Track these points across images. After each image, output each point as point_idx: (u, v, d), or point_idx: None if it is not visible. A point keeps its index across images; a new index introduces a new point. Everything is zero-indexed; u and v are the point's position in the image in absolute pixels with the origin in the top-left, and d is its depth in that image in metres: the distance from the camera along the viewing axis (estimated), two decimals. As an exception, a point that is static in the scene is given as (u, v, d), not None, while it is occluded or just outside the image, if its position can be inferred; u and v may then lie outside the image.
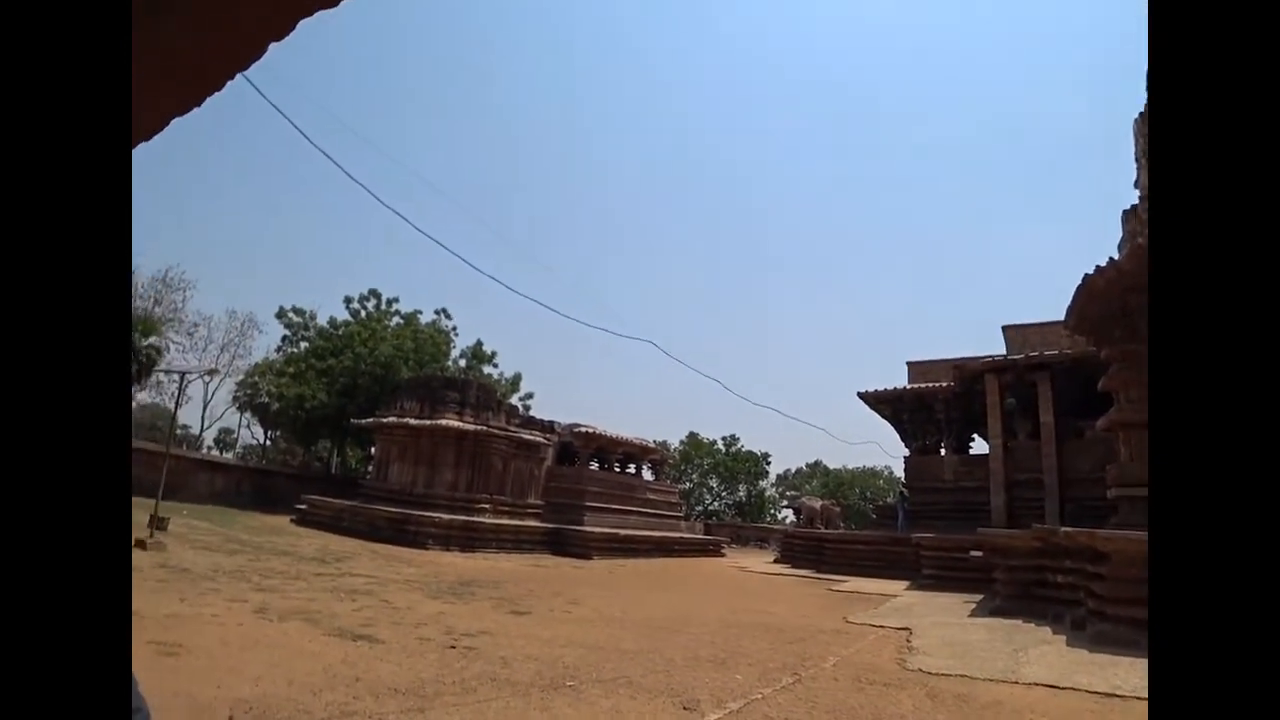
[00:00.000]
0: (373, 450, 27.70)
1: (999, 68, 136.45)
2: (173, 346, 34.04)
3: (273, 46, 1.34)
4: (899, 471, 28.87)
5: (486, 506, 21.81)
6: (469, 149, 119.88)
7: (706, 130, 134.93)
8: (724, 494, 59.31)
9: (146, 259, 59.47)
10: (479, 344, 37.30)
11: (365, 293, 35.31)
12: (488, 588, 12.10)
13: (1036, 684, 6.46)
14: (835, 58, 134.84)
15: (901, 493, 25.15)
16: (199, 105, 1.43)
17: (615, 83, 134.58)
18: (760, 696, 5.60)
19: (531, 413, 31.55)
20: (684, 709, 5.13)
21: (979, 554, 14.02)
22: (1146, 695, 2.01)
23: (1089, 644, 8.19)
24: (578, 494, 25.05)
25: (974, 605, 12.31)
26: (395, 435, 22.95)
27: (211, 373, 23.39)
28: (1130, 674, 6.66)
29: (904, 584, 16.90)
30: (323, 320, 34.93)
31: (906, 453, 24.79)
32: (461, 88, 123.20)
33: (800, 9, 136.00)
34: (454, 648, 6.78)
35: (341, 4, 1.35)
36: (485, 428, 22.61)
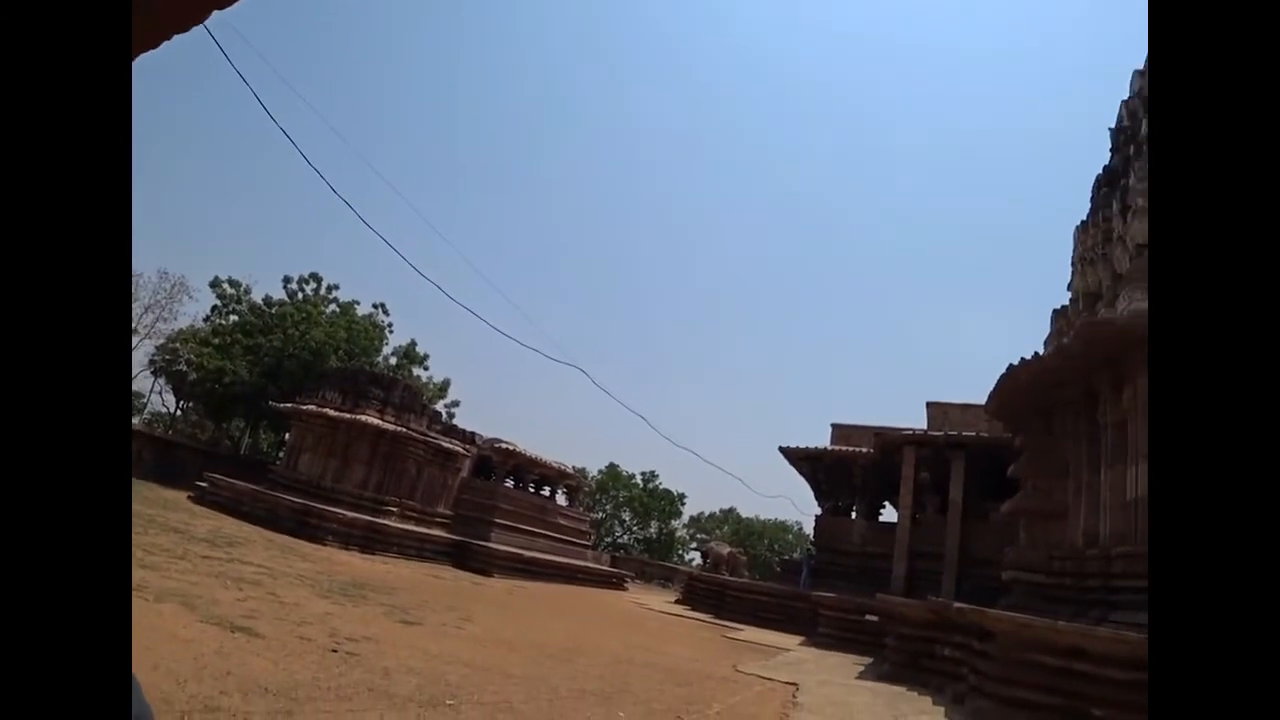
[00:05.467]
0: (287, 437, 26.81)
1: (951, 166, 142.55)
2: (94, 298, 32.32)
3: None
4: (809, 529, 29.16)
5: (394, 510, 21.25)
6: (432, 149, 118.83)
7: (656, 163, 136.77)
8: (636, 528, 59.12)
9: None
10: (412, 344, 36.71)
11: (305, 275, 34.43)
12: (381, 593, 11.76)
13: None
14: (791, 102, 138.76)
15: (809, 550, 25.38)
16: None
17: (575, 98, 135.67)
18: (641, 737, 5.55)
19: (455, 421, 31.05)
20: (563, 741, 5.05)
21: (874, 618, 14.26)
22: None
23: (966, 719, 8.38)
24: (489, 509, 24.58)
25: (863, 668, 12.49)
26: (312, 424, 22.21)
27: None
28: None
29: (799, 639, 17.06)
30: (258, 296, 33.85)
31: (819, 511, 25.06)
32: (429, 81, 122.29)
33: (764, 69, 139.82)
34: (335, 651, 6.54)
35: None
36: (404, 429, 22.11)
